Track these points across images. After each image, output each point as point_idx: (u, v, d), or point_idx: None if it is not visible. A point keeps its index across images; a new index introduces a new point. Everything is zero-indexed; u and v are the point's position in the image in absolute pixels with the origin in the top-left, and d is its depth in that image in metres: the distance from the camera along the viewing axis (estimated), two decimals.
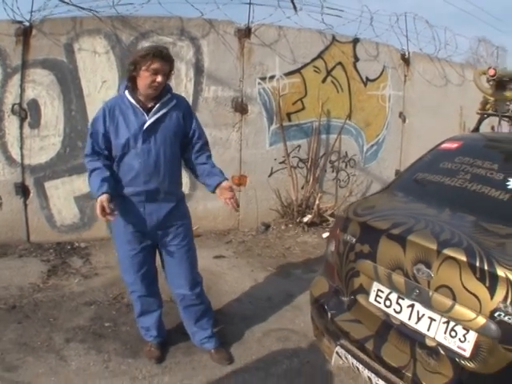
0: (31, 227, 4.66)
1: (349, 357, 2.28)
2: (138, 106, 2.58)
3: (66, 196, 4.72)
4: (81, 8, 4.50)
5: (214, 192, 2.75)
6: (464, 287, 1.85)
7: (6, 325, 3.17)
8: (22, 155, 4.53)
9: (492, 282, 1.78)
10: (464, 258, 1.85)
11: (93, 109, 4.58)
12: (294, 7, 5.43)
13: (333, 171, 5.99)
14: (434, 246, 1.95)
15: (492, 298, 1.78)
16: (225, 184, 2.69)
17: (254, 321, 3.39)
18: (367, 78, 6.00)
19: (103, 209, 2.44)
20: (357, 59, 5.85)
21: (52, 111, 4.54)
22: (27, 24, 4.38)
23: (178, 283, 2.83)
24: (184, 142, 2.76)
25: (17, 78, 4.43)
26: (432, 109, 6.48)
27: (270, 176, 5.55)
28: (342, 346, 2.32)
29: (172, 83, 4.81)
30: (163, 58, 2.49)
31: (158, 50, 2.51)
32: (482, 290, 1.81)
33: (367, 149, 6.24)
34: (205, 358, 2.91)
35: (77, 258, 4.44)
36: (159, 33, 4.70)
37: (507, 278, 1.74)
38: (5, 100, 4.43)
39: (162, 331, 2.98)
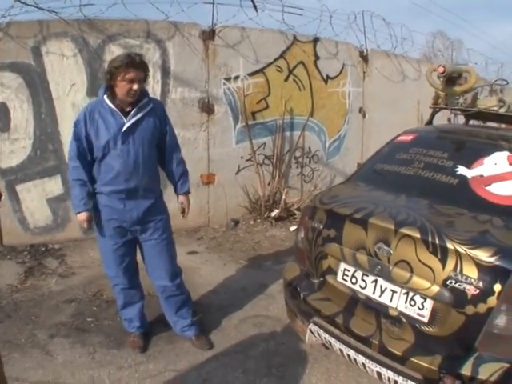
0: (4, 230, 4.67)
1: (321, 332, 2.49)
2: (116, 109, 2.72)
3: (38, 198, 4.75)
4: (43, 9, 4.55)
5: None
6: (419, 260, 2.10)
7: None
8: None
9: (443, 254, 2.03)
10: (418, 235, 2.11)
11: (62, 112, 4.68)
12: (255, 7, 5.62)
13: (297, 167, 6.22)
14: (391, 226, 2.19)
15: (444, 268, 2.02)
16: (181, 198, 3.10)
17: (231, 309, 3.58)
18: (328, 76, 6.24)
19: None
20: (317, 58, 6.09)
21: (21, 114, 4.57)
22: None
23: (158, 275, 2.99)
24: (159, 143, 2.93)
25: None
26: (391, 103, 6.79)
27: (237, 173, 5.73)
28: (315, 323, 2.53)
29: None
30: (137, 66, 2.63)
31: (131, 59, 2.63)
32: (435, 262, 2.05)
33: (329, 144, 6.50)
34: (186, 345, 3.07)
35: (52, 259, 4.50)
36: (126, 36, 4.80)
37: (456, 250, 2.00)
38: None
39: (144, 322, 3.14)
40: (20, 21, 4.47)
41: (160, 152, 2.96)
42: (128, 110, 2.74)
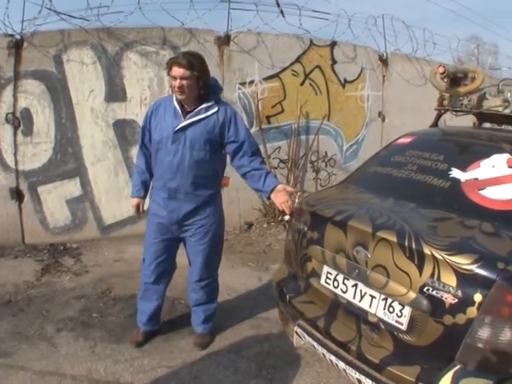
0: (26, 229, 4.88)
1: (305, 336, 2.48)
2: (178, 108, 2.79)
3: (58, 200, 4.94)
4: (72, 17, 4.75)
5: (269, 198, 2.89)
6: (396, 265, 2.05)
7: (2, 317, 3.40)
8: (16, 161, 4.75)
9: (420, 259, 1.97)
10: (394, 239, 2.05)
11: (81, 116, 4.87)
12: (281, 12, 5.65)
13: (313, 171, 6.19)
14: (369, 229, 2.16)
15: (421, 274, 1.96)
16: (279, 187, 2.81)
17: (231, 310, 3.62)
18: (345, 80, 6.20)
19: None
20: (334, 62, 6.06)
21: (43, 119, 4.77)
22: (18, 37, 4.62)
23: (191, 269, 3.09)
24: (232, 150, 2.88)
25: (10, 89, 4.66)
26: (411, 108, 6.65)
27: None
28: (300, 326, 2.52)
29: (156, 90, 5.11)
30: (180, 64, 2.66)
31: (175, 56, 2.75)
32: (411, 268, 1.99)
33: (347, 148, 6.45)
34: (183, 343, 3.14)
35: (69, 258, 4.66)
36: (143, 43, 4.94)
37: (433, 256, 1.92)
38: None
39: (152, 322, 3.15)
40: (43, 31, 4.68)
41: (235, 159, 2.92)
42: (189, 110, 2.79)
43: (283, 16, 5.66)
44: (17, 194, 4.82)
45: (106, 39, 4.83)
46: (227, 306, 3.67)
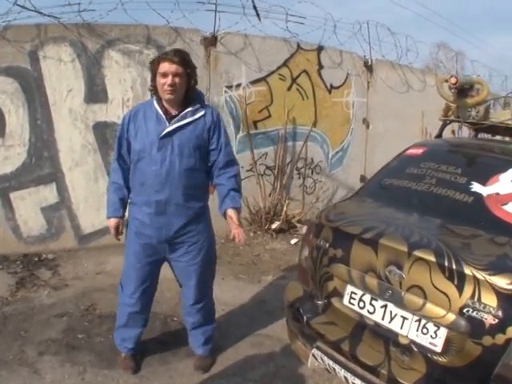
0: None
1: (325, 358, 2.33)
2: (161, 113, 2.55)
3: (32, 207, 4.61)
4: (43, 14, 4.45)
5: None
6: (434, 286, 1.95)
7: None
8: None
9: (460, 280, 1.89)
10: (433, 259, 1.96)
11: (58, 118, 4.56)
12: (258, 15, 5.52)
13: (299, 178, 6.09)
14: (404, 248, 2.04)
15: (460, 295, 1.88)
16: (228, 212, 2.65)
17: (228, 327, 3.42)
18: (331, 86, 6.15)
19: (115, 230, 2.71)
20: (321, 67, 6.00)
21: (17, 120, 4.44)
22: None
23: (184, 293, 2.85)
24: (209, 156, 2.70)
25: None
26: (395, 114, 6.69)
27: None
28: (318, 348, 2.37)
29: (139, 92, 4.86)
30: (169, 59, 2.44)
31: (165, 52, 2.54)
32: (451, 289, 1.90)
33: (332, 155, 6.39)
34: (181, 366, 2.92)
35: (45, 270, 4.35)
36: (126, 41, 4.69)
37: (474, 276, 1.85)
38: None
39: (137, 345, 2.91)
40: (17, 24, 4.35)
41: (211, 167, 2.72)
42: (174, 114, 2.56)
43: (259, 19, 5.53)
44: None
45: (86, 36, 4.55)
46: (224, 323, 3.47)
